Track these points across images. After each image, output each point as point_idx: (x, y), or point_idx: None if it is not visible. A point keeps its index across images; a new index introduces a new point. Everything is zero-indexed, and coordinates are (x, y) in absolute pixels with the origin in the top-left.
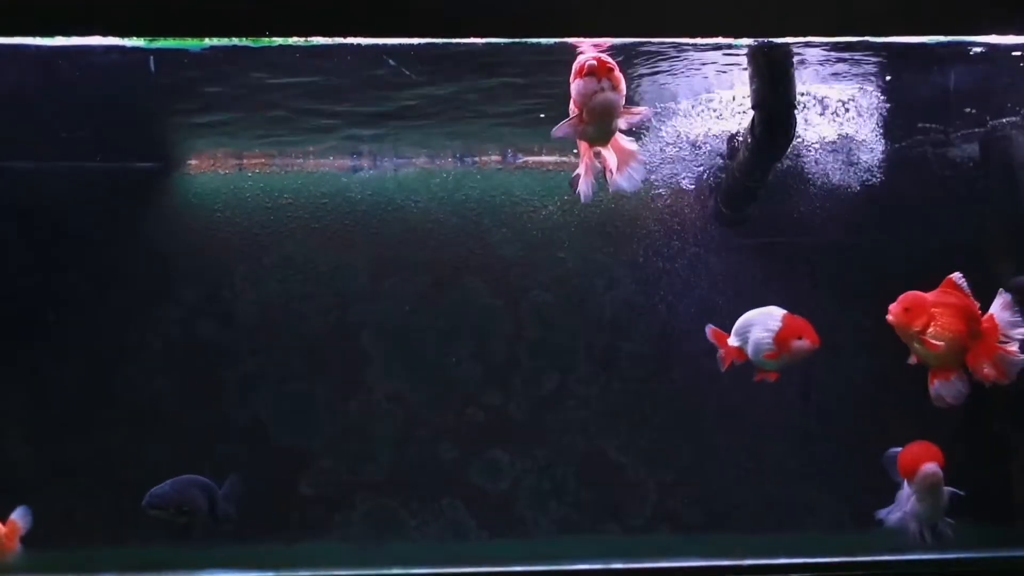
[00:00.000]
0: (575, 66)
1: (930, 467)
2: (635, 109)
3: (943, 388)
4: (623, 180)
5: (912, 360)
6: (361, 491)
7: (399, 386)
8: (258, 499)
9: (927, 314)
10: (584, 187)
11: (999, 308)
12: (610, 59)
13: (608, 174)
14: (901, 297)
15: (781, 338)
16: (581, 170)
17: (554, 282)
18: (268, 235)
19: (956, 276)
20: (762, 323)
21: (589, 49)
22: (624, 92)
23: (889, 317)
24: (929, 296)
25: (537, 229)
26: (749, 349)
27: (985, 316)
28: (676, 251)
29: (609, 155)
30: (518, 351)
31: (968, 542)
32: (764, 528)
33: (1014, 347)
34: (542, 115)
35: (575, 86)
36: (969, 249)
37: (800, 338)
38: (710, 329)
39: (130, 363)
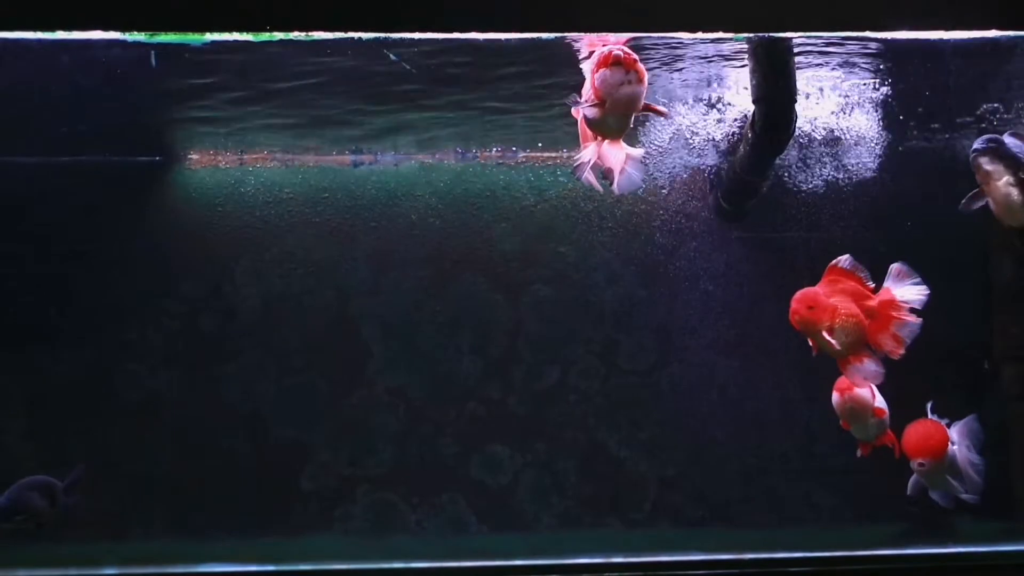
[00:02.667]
0: (597, 56)
1: (918, 462)
2: (657, 108)
3: (857, 372)
4: (624, 181)
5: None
6: (362, 485)
7: (399, 380)
8: (259, 493)
9: (829, 309)
10: (592, 178)
11: (892, 279)
12: (632, 52)
13: (610, 172)
14: (800, 297)
15: None
16: (587, 157)
17: (555, 276)
18: (269, 229)
19: (843, 260)
20: None
21: (592, 43)
22: (646, 86)
23: (795, 319)
24: (821, 289)
25: (537, 223)
26: None
27: (880, 291)
28: (676, 245)
29: (615, 152)
30: (518, 345)
31: (968, 536)
32: (764, 522)
33: (909, 314)
34: (544, 110)
35: (600, 76)
36: (968, 243)
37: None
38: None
39: (131, 357)
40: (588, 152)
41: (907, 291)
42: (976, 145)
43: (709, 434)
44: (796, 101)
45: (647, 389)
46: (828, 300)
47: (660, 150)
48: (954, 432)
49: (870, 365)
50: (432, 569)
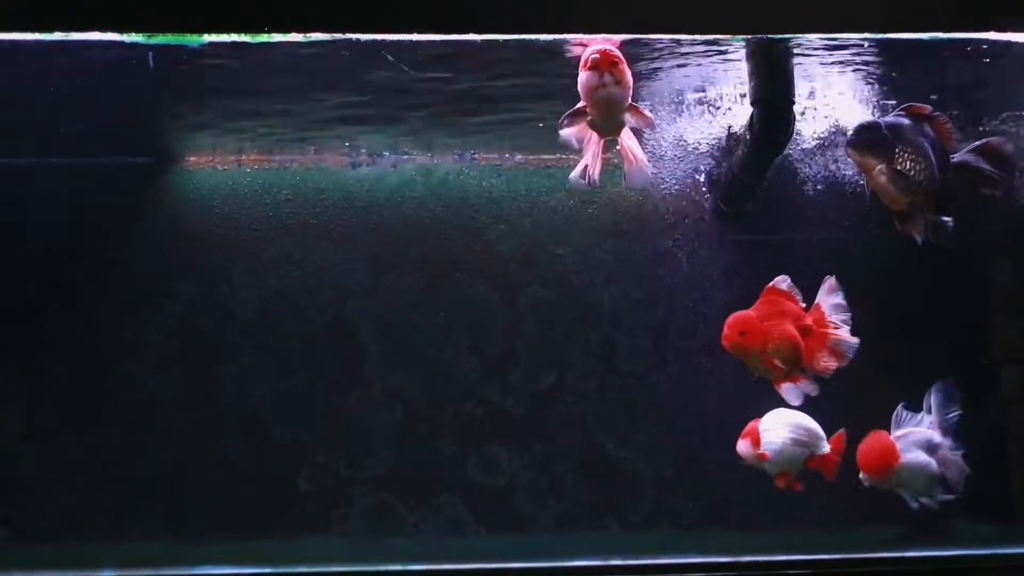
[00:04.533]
0: (583, 57)
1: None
2: (643, 111)
3: (794, 392)
4: (634, 177)
5: (753, 375)
6: (359, 487)
7: (397, 381)
8: (257, 494)
9: (762, 332)
10: (591, 174)
11: (824, 294)
12: (616, 51)
13: (626, 164)
14: (731, 322)
15: None
16: (588, 157)
17: (552, 278)
18: (267, 231)
19: (779, 280)
20: None
21: (590, 44)
22: (630, 86)
23: (725, 344)
24: (754, 312)
25: (535, 225)
26: None
27: (812, 307)
28: (675, 247)
29: (623, 146)
30: (516, 346)
31: (967, 539)
32: (763, 525)
33: (844, 331)
34: (543, 112)
35: (580, 79)
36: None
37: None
38: None
39: (128, 359)
40: (587, 154)
41: (832, 305)
42: (849, 137)
43: (708, 435)
44: (795, 103)
45: (645, 390)
46: (760, 324)
47: (659, 152)
48: (918, 436)
49: (806, 384)
50: (429, 571)
